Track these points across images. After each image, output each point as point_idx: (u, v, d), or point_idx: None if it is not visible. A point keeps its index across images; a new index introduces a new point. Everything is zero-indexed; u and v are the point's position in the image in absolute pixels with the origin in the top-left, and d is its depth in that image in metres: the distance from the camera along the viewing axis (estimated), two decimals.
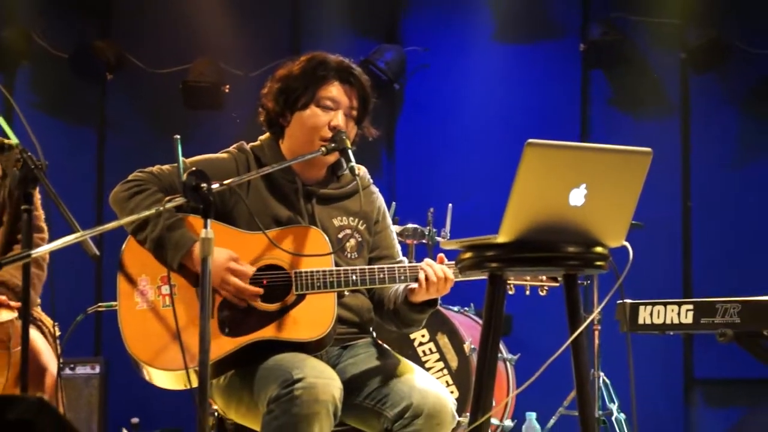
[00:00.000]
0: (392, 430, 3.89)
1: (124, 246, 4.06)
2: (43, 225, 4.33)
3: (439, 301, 4.13)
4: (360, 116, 4.20)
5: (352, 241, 4.18)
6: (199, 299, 3.47)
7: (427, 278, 3.89)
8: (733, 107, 8.31)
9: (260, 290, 3.94)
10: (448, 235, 6.40)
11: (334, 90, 4.12)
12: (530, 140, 3.28)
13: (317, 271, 3.96)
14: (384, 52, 8.11)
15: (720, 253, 8.05)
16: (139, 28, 8.44)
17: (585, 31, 8.31)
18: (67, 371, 6.27)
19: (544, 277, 3.84)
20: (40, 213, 4.30)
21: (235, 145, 4.26)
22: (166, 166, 4.06)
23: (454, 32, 8.41)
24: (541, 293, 3.89)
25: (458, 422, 3.93)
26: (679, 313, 4.10)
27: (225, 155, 4.20)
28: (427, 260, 3.93)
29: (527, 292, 3.87)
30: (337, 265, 4.03)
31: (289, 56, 4.41)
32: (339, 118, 4.09)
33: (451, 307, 6.20)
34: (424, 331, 6.00)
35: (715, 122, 8.31)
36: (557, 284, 3.76)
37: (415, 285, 3.93)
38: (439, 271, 3.89)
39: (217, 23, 8.21)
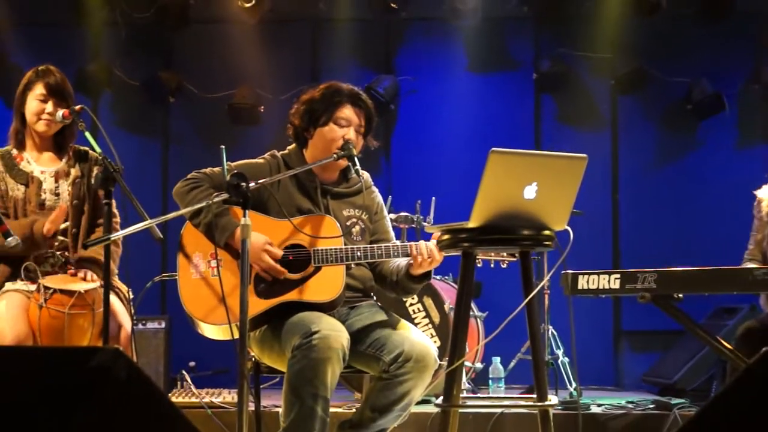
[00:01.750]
0: (388, 371, 3.87)
1: (182, 229, 4.08)
2: (116, 211, 4.30)
3: (432, 274, 4.12)
4: (366, 131, 4.21)
5: (357, 228, 4.19)
6: (240, 271, 3.50)
7: (419, 252, 3.86)
8: (652, 123, 8.29)
9: (284, 270, 3.95)
10: (432, 221, 6.40)
11: (348, 111, 4.13)
12: (494, 148, 3.28)
13: (330, 249, 3.96)
14: (382, 81, 8.08)
15: (641, 235, 8.04)
16: (194, 61, 8.41)
17: (537, 63, 8.27)
18: (139, 326, 6.25)
19: (505, 254, 3.82)
20: (113, 202, 4.26)
21: (268, 153, 4.26)
22: (215, 169, 4.06)
23: (437, 65, 8.40)
24: (503, 266, 3.86)
25: (439, 365, 3.91)
26: (609, 281, 4.06)
27: (261, 160, 4.20)
28: (421, 242, 3.89)
29: (492, 265, 3.84)
30: (345, 245, 4.02)
31: (309, 83, 4.42)
32: (351, 133, 4.11)
33: (434, 276, 6.17)
34: (414, 296, 5.98)
35: (637, 134, 8.29)
36: (515, 259, 3.74)
37: (411, 260, 3.91)
38: (423, 248, 3.86)
39: (254, 58, 8.18)
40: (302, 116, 4.19)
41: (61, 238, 4.17)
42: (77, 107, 4.16)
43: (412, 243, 3.93)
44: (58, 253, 4.18)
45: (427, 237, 4.00)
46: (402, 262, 4.06)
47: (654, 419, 5.35)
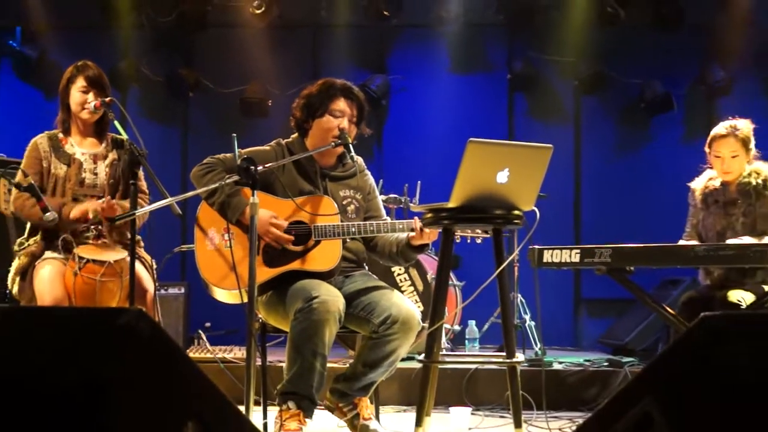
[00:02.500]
0: (378, 331, 3.89)
1: (199, 207, 4.08)
2: (146, 189, 4.30)
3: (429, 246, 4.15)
4: (358, 120, 4.20)
5: (352, 206, 4.19)
6: (249, 243, 3.51)
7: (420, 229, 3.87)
8: (610, 119, 8.29)
9: (291, 238, 3.96)
10: (417, 202, 6.40)
11: (341, 103, 4.14)
12: (471, 138, 3.27)
13: (329, 225, 3.98)
14: (375, 79, 8.07)
15: (598, 215, 8.06)
16: (211, 60, 8.38)
17: (510, 65, 8.26)
18: (161, 292, 6.24)
19: (480, 231, 3.83)
20: (143, 183, 4.27)
21: (274, 141, 4.27)
22: (228, 155, 4.06)
23: (423, 66, 8.38)
24: (478, 241, 3.88)
25: (422, 327, 3.92)
26: (570, 255, 4.08)
27: (268, 147, 4.21)
28: (417, 218, 3.89)
29: (468, 241, 3.85)
30: (341, 221, 4.04)
31: (310, 81, 4.38)
32: (345, 123, 4.11)
33: None
34: (400, 267, 5.99)
35: (597, 129, 8.30)
36: (489, 235, 3.74)
37: (413, 233, 3.92)
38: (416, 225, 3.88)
39: (263, 58, 8.17)
40: (302, 109, 4.20)
41: (91, 216, 4.14)
42: (107, 99, 4.18)
43: (407, 220, 3.96)
44: (92, 227, 4.19)
45: (413, 216, 4.01)
46: (402, 235, 4.07)
47: (607, 375, 5.39)
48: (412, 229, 3.92)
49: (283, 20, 8.22)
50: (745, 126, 4.65)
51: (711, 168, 4.76)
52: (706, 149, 4.73)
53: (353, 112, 4.17)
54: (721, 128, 4.67)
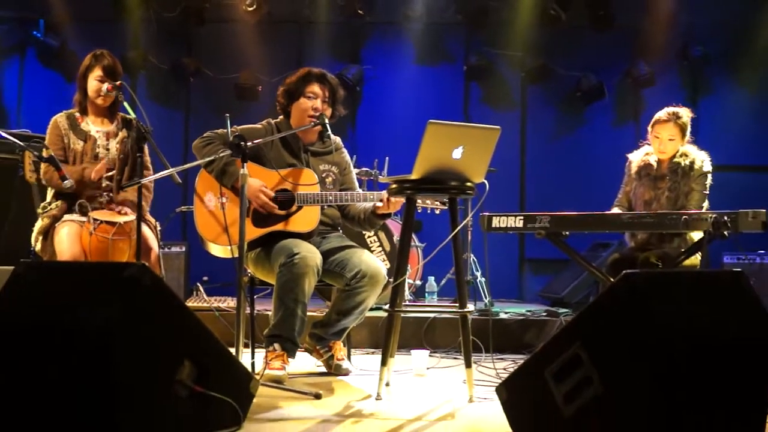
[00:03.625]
0: (349, 285, 3.91)
1: (197, 176, 4.07)
2: (149, 165, 4.25)
3: (392, 215, 4.15)
4: (332, 101, 4.18)
5: (330, 179, 4.18)
6: (240, 207, 3.49)
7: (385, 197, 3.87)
8: (551, 106, 8.29)
9: (275, 206, 3.95)
10: (386, 174, 6.38)
11: (315, 87, 4.14)
12: (431, 120, 3.25)
13: (310, 194, 3.98)
14: (350, 69, 8.04)
15: (540, 188, 8.10)
16: (209, 50, 8.29)
17: (467, 58, 8.24)
18: (165, 250, 6.21)
19: (438, 202, 3.82)
20: (148, 159, 4.22)
21: (265, 120, 4.24)
22: (223, 130, 4.01)
23: (391, 57, 8.34)
24: (436, 212, 3.86)
25: (388, 281, 3.92)
26: (515, 221, 4.10)
27: (260, 126, 4.18)
28: (385, 191, 3.87)
29: (428, 210, 3.84)
30: (320, 191, 4.03)
31: (295, 69, 4.35)
32: (318, 103, 4.11)
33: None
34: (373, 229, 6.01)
35: (540, 114, 8.31)
36: (445, 207, 3.73)
37: (380, 204, 3.92)
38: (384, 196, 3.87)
39: (254, 49, 8.12)
40: (283, 95, 4.20)
41: (106, 182, 4.14)
42: (118, 83, 4.13)
43: (374, 192, 3.96)
44: (104, 193, 4.15)
45: (383, 186, 4.00)
46: (368, 205, 4.06)
47: (545, 323, 5.41)
48: (381, 200, 3.92)
49: (272, 16, 8.17)
50: (686, 114, 4.66)
51: (649, 144, 4.76)
52: (648, 128, 4.72)
53: (325, 93, 4.14)
54: (663, 113, 4.67)
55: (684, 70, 8.13)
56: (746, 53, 7.89)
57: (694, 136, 4.73)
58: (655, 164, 4.72)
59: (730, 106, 7.94)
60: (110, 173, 4.16)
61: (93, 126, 4.22)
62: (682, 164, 4.61)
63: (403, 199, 3.73)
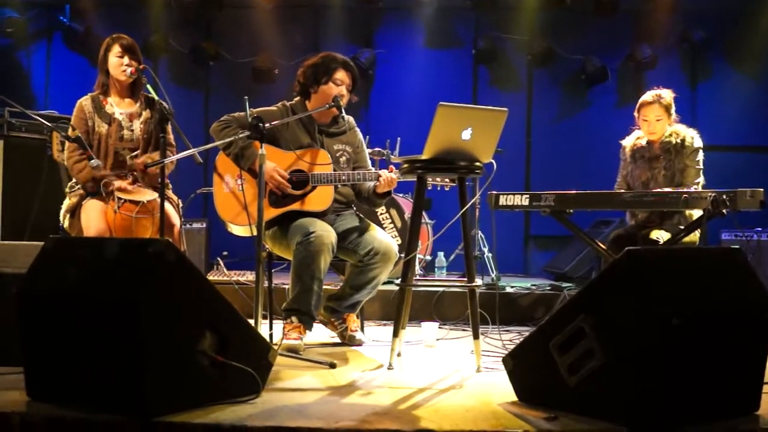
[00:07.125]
0: (363, 261, 3.92)
1: (217, 157, 4.06)
2: (173, 142, 4.24)
3: (392, 193, 4.13)
4: (352, 89, 4.16)
5: (344, 158, 4.16)
6: (258, 187, 3.49)
7: (382, 178, 3.86)
8: (556, 88, 8.26)
9: (289, 186, 3.95)
10: (397, 154, 6.37)
11: (341, 74, 4.09)
12: (441, 102, 3.24)
13: (324, 174, 3.96)
14: (363, 53, 8.01)
15: (545, 167, 8.08)
16: (228, 34, 8.28)
17: (475, 42, 8.19)
18: (187, 226, 6.22)
19: (447, 179, 3.80)
20: (171, 136, 4.21)
21: (280, 102, 4.21)
22: (241, 113, 4.00)
23: (403, 42, 8.31)
24: (446, 189, 3.85)
25: (399, 257, 3.92)
26: (521, 200, 4.10)
27: (275, 108, 4.16)
28: (383, 171, 3.87)
29: (438, 187, 3.83)
30: (334, 170, 4.01)
31: (311, 53, 4.34)
32: (343, 90, 4.08)
33: (398, 193, 6.17)
34: (383, 208, 5.99)
35: (545, 96, 8.28)
36: (454, 184, 3.71)
37: (377, 183, 3.91)
38: (385, 175, 3.86)
39: (271, 33, 8.09)
40: (308, 75, 4.13)
41: (130, 162, 4.13)
42: (141, 66, 4.12)
43: (380, 170, 3.94)
44: (129, 173, 4.15)
45: (395, 166, 3.98)
46: (370, 184, 4.05)
47: (550, 297, 5.41)
48: (377, 178, 3.90)
49: (288, 2, 8.13)
50: (668, 94, 4.68)
51: (639, 129, 4.77)
52: (635, 114, 4.74)
53: (349, 81, 4.12)
54: (648, 96, 4.69)
55: (685, 54, 8.08)
56: (746, 38, 7.82)
57: (680, 114, 4.72)
58: (647, 146, 4.71)
59: (729, 89, 7.89)
60: (135, 153, 4.16)
61: (117, 108, 4.20)
62: (674, 142, 4.61)
63: (394, 177, 3.79)
